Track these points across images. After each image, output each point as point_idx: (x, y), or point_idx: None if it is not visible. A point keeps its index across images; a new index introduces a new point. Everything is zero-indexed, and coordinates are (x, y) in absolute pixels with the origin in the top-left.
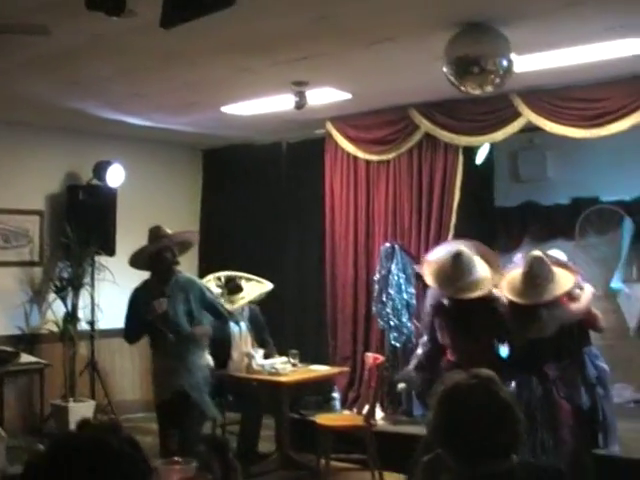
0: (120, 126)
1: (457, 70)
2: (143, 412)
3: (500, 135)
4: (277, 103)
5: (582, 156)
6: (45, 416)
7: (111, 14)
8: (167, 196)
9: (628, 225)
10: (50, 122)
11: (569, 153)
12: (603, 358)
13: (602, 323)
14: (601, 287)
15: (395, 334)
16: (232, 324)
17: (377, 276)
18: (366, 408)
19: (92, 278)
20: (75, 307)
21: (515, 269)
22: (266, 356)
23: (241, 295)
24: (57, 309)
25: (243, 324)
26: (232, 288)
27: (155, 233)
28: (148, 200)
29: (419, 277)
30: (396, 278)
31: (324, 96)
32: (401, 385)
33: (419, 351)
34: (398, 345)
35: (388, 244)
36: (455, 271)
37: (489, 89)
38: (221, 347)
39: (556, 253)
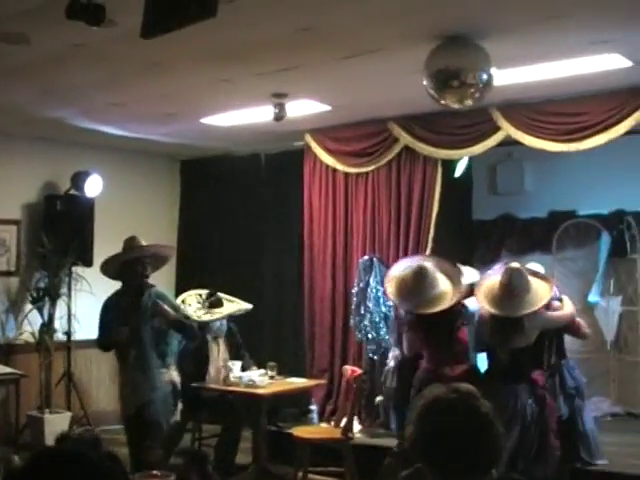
0: (98, 136)
1: (437, 83)
2: (119, 424)
3: (479, 148)
4: (256, 114)
5: (560, 170)
6: (20, 427)
7: (91, 24)
8: (145, 206)
9: (605, 239)
10: (28, 131)
11: (547, 167)
12: (579, 371)
13: (586, 330)
14: (578, 300)
15: (373, 347)
16: (209, 338)
17: (355, 289)
18: (344, 421)
19: (69, 288)
20: (51, 317)
21: (491, 279)
22: (243, 369)
23: (220, 310)
24: (33, 319)
25: (220, 339)
26: (213, 302)
27: (129, 243)
28: (126, 210)
29: None
30: (374, 291)
31: (303, 108)
32: (378, 398)
33: (391, 363)
34: (376, 358)
35: (367, 257)
36: (417, 285)
37: (469, 103)
38: (198, 360)
39: (534, 266)
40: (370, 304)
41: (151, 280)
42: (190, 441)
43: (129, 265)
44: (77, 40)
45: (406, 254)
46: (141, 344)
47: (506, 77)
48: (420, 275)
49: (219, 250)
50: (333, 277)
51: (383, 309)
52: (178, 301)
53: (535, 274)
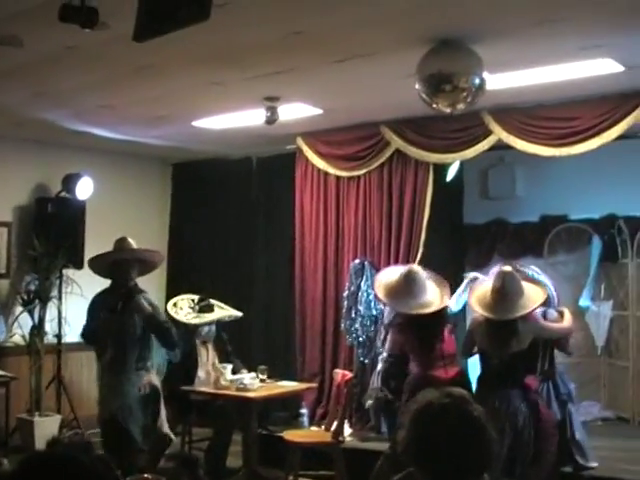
0: (90, 138)
1: (429, 87)
2: None
3: (471, 153)
4: (248, 118)
5: (551, 174)
6: (10, 430)
7: (84, 26)
8: (136, 209)
9: (596, 243)
10: (20, 133)
11: (539, 171)
12: (569, 376)
13: (571, 349)
14: (569, 305)
15: (364, 350)
16: (198, 342)
17: (346, 292)
18: (334, 424)
19: (60, 291)
20: (42, 320)
21: (484, 284)
22: (234, 372)
23: (209, 315)
24: (24, 322)
25: (209, 344)
26: (203, 307)
27: (119, 244)
28: (117, 213)
29: None
30: (365, 295)
31: (295, 111)
32: (369, 402)
33: (380, 367)
34: (367, 361)
35: (358, 260)
36: (409, 287)
37: (461, 107)
38: (188, 364)
39: (534, 269)
40: (361, 308)
41: (143, 282)
42: (180, 445)
43: (116, 266)
44: (70, 42)
45: (397, 258)
46: (120, 345)
47: (498, 81)
48: (411, 277)
49: (210, 253)
50: (324, 280)
51: (374, 313)
52: (170, 304)
53: (528, 279)
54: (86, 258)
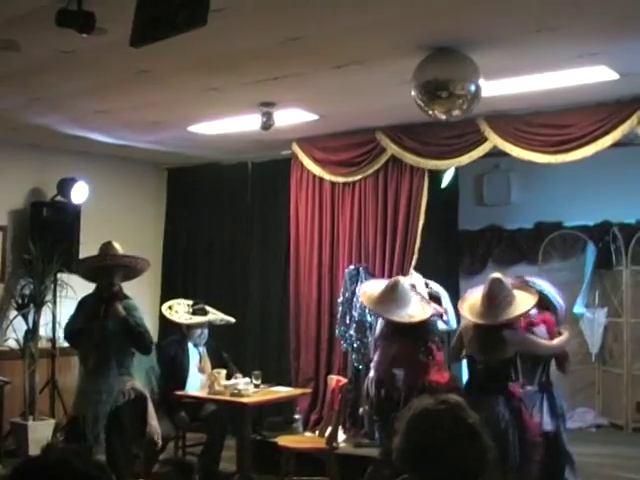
0: (85, 143)
1: (425, 94)
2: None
3: (466, 159)
4: (244, 123)
5: (546, 181)
6: (4, 434)
7: (81, 31)
8: (131, 214)
9: (591, 250)
10: (15, 138)
11: (533, 178)
12: (563, 382)
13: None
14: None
15: (358, 356)
16: (190, 346)
17: (341, 298)
18: (328, 430)
19: (54, 295)
20: (36, 324)
21: (474, 294)
22: (228, 376)
23: (203, 317)
24: (18, 326)
25: (200, 347)
26: (197, 310)
27: (103, 249)
28: (112, 217)
29: None
30: (360, 301)
31: (291, 117)
32: (363, 408)
33: (372, 374)
34: (361, 367)
35: (353, 266)
36: (394, 296)
37: (457, 113)
38: (179, 369)
39: (541, 282)
40: (356, 314)
41: (137, 287)
42: (174, 449)
43: (100, 270)
44: (67, 47)
45: (392, 264)
46: (102, 350)
47: (494, 88)
48: (395, 287)
49: (205, 258)
50: (319, 286)
51: (368, 319)
52: (165, 306)
53: (520, 286)
54: None
